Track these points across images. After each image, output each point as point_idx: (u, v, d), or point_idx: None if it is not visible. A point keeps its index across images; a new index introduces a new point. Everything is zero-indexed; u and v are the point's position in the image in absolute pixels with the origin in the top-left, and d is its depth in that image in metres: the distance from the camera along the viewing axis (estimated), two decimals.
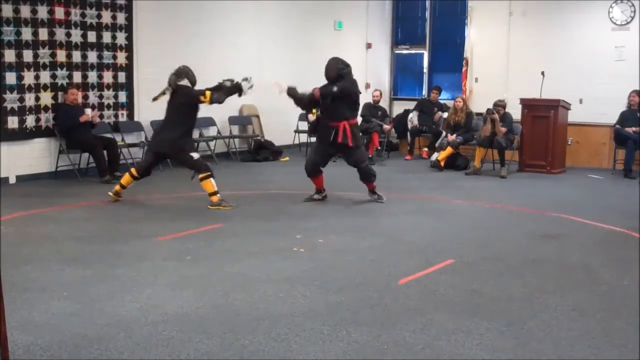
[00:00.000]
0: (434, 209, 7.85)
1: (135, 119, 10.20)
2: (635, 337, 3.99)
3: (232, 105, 10.98)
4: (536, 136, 10.73)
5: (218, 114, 10.89)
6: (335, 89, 7.57)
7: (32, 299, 4.47)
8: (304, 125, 12.22)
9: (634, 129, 10.58)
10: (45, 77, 9.03)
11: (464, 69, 13.02)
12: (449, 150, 11.03)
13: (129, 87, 10.07)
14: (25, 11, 8.70)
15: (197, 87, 7.63)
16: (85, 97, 9.53)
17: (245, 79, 7.56)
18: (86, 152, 9.25)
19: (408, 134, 12.72)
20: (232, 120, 11.72)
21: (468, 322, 4.18)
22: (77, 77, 9.41)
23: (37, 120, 9.02)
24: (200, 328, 4.02)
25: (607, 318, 4.32)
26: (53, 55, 9.07)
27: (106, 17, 9.67)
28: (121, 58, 9.93)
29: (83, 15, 9.39)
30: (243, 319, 4.19)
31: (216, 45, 11.18)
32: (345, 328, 4.04)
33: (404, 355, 3.71)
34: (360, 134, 8.48)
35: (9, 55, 8.60)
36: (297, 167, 8.56)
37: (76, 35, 9.33)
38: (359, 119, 9.59)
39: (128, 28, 9.95)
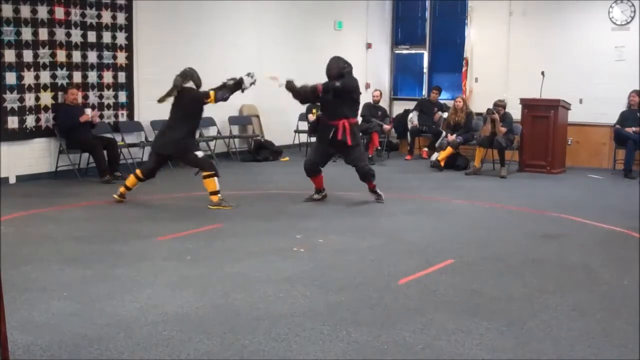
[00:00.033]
0: (434, 209, 7.85)
1: (135, 119, 10.21)
2: (635, 337, 3.99)
3: (232, 105, 10.98)
4: (536, 136, 10.73)
5: (218, 114, 10.89)
6: (337, 84, 7.57)
7: (32, 299, 4.47)
8: (304, 125, 12.21)
9: (634, 129, 10.59)
10: (45, 77, 9.03)
11: (464, 69, 13.02)
12: (449, 150, 11.03)
13: (129, 87, 10.07)
14: (25, 11, 8.70)
15: (200, 89, 7.62)
16: (85, 97, 9.53)
17: (248, 74, 7.53)
18: (86, 152, 9.25)
19: (408, 134, 12.72)
20: (232, 120, 11.72)
21: (468, 322, 4.18)
22: (77, 77, 9.41)
23: (37, 120, 9.02)
24: (200, 328, 4.01)
25: (607, 318, 4.32)
26: (53, 55, 9.07)
27: (106, 17, 9.67)
28: (121, 58, 9.93)
29: (83, 15, 9.40)
30: (243, 319, 4.19)
31: (216, 45, 11.18)
32: (345, 328, 4.04)
33: (404, 355, 3.71)
34: (360, 134, 8.48)
35: (9, 55, 8.60)
36: (297, 167, 8.56)
37: (76, 35, 9.34)
38: (359, 119, 9.58)
39: (128, 28, 9.95)
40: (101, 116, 9.67)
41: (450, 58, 13.88)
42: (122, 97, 10.03)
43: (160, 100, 7.57)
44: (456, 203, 8.24)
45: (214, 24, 11.23)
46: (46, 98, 9.08)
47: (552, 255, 5.85)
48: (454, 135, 11.27)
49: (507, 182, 9.93)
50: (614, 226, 6.95)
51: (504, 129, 10.43)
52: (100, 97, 9.74)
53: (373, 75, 14.07)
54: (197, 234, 6.34)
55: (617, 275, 5.26)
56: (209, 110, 9.36)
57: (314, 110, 11.42)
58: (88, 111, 9.10)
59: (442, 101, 12.90)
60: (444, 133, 11.87)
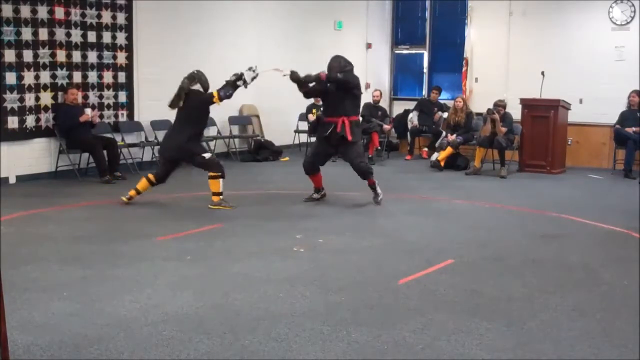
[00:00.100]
0: (434, 209, 7.85)
1: (135, 119, 10.21)
2: (635, 337, 3.99)
3: (232, 105, 10.98)
4: (536, 136, 10.73)
5: (218, 114, 10.88)
6: (340, 75, 7.56)
7: (32, 299, 4.47)
8: (304, 125, 12.22)
9: (634, 129, 10.59)
10: (45, 77, 9.03)
11: (464, 69, 13.02)
12: (449, 150, 11.04)
13: (129, 87, 10.07)
14: (25, 11, 8.70)
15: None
16: (85, 97, 9.53)
17: (250, 68, 7.48)
18: (86, 152, 9.25)
19: (408, 134, 12.72)
20: (232, 120, 11.72)
21: (468, 322, 4.18)
22: (77, 77, 9.41)
23: (37, 120, 9.02)
24: (200, 328, 4.01)
25: (607, 318, 4.32)
26: (53, 55, 9.08)
27: (106, 17, 9.67)
28: (121, 58, 9.93)
29: (83, 15, 9.40)
30: (243, 319, 4.19)
31: (216, 45, 11.18)
32: (345, 328, 4.04)
33: (404, 355, 3.71)
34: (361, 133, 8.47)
35: (9, 55, 8.60)
36: (297, 167, 8.55)
37: (76, 35, 9.34)
38: (359, 119, 9.55)
39: (128, 28, 9.95)
40: (101, 116, 9.67)
41: (450, 58, 13.88)
42: (122, 97, 10.03)
43: (171, 105, 7.52)
44: (456, 203, 8.24)
45: (214, 24, 11.23)
46: (46, 98, 9.08)
47: (552, 255, 5.85)
48: (454, 135, 11.27)
49: (507, 182, 9.93)
50: (614, 226, 6.95)
51: (504, 129, 10.43)
52: (100, 97, 9.75)
53: (373, 75, 14.07)
54: (198, 234, 6.34)
55: (617, 275, 5.26)
56: (210, 110, 9.37)
57: (313, 111, 11.44)
58: (88, 111, 9.10)
59: (442, 101, 12.90)
60: (444, 133, 11.87)
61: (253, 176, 9.93)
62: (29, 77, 8.83)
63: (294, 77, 7.66)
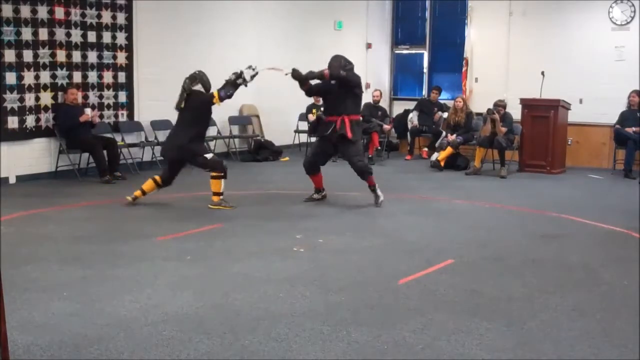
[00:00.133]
0: (434, 209, 7.85)
1: (135, 119, 10.21)
2: (635, 337, 3.99)
3: (232, 105, 10.98)
4: (536, 136, 10.73)
5: (218, 114, 10.87)
6: (342, 72, 7.55)
7: (32, 299, 4.47)
8: (304, 125, 12.22)
9: (634, 129, 10.59)
10: (45, 77, 9.03)
11: (464, 69, 13.02)
12: (449, 150, 11.04)
13: (129, 87, 10.07)
14: (25, 11, 8.70)
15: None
16: (85, 97, 9.53)
17: (249, 67, 7.44)
18: (86, 152, 9.25)
19: (408, 134, 12.72)
20: (232, 120, 11.72)
21: (468, 322, 4.18)
22: (77, 77, 9.41)
23: (37, 120, 9.02)
24: (200, 328, 4.01)
25: (607, 318, 4.32)
26: (53, 55, 9.08)
27: (106, 17, 9.67)
28: (121, 58, 9.93)
29: (83, 15, 9.40)
30: (243, 319, 4.19)
31: (216, 45, 11.18)
32: (345, 328, 4.04)
33: (404, 355, 3.71)
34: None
35: (9, 55, 8.61)
36: (297, 167, 8.55)
37: (76, 35, 9.34)
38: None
39: (128, 28, 9.95)
40: (101, 116, 9.67)
41: (450, 58, 13.88)
42: (122, 97, 10.03)
43: (176, 107, 7.50)
44: (456, 203, 8.24)
45: (214, 24, 11.23)
46: (46, 98, 9.08)
47: (552, 255, 5.85)
48: (454, 135, 11.27)
49: (507, 182, 9.93)
50: (614, 226, 6.95)
51: (504, 129, 10.43)
52: (100, 97, 9.75)
53: (373, 75, 14.07)
54: (198, 234, 6.34)
55: (617, 275, 5.26)
56: None
57: (313, 110, 11.43)
58: (88, 111, 9.10)
59: (442, 101, 12.90)
60: (444, 133, 11.87)
61: (253, 176, 9.93)
62: (29, 77, 8.84)
63: (295, 74, 7.63)
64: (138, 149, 10.12)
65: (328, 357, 3.66)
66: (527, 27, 12.44)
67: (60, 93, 9.19)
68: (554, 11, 12.12)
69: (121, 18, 9.85)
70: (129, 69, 10.03)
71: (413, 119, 12.63)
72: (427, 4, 14.20)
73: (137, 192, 7.55)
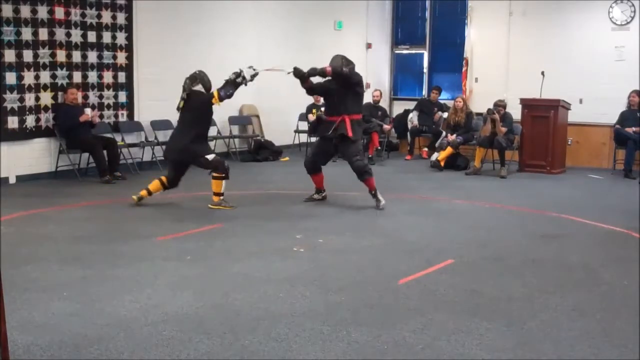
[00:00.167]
0: (434, 209, 7.85)
1: (135, 119, 10.21)
2: (635, 337, 3.99)
3: (232, 105, 10.99)
4: (536, 136, 10.73)
5: (218, 114, 10.85)
6: (345, 69, 7.52)
7: (32, 299, 4.47)
8: (304, 125, 12.22)
9: (634, 129, 10.59)
10: (45, 77, 9.03)
11: (464, 69, 13.02)
12: (449, 150, 11.04)
13: (129, 87, 10.07)
14: (25, 11, 8.70)
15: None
16: (85, 97, 9.54)
17: (250, 67, 7.41)
18: (86, 152, 9.25)
19: (408, 134, 12.72)
20: (232, 120, 11.72)
21: (468, 322, 4.18)
22: (77, 77, 9.41)
23: (37, 120, 9.02)
24: (200, 328, 4.02)
25: (607, 318, 4.32)
26: (53, 55, 9.08)
27: (106, 17, 9.67)
28: (121, 58, 9.93)
29: (83, 15, 9.40)
30: (243, 319, 4.19)
31: (216, 45, 11.18)
32: (345, 328, 4.04)
33: (404, 355, 3.71)
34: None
35: (9, 55, 8.61)
36: (297, 167, 8.56)
37: (76, 35, 9.34)
38: None
39: (128, 28, 9.95)
40: (101, 116, 9.67)
41: (450, 58, 13.88)
42: (122, 97, 10.03)
43: (178, 108, 7.48)
44: (456, 203, 8.24)
45: (214, 24, 11.23)
46: (46, 98, 9.09)
47: (552, 255, 5.85)
48: (454, 135, 11.27)
49: (507, 182, 9.93)
50: (614, 226, 6.95)
51: (504, 129, 10.43)
52: (100, 97, 9.75)
53: (373, 75, 14.07)
54: (197, 234, 6.34)
55: (617, 275, 5.26)
56: None
57: (313, 110, 11.44)
58: (88, 111, 9.10)
59: (442, 101, 12.90)
60: (444, 133, 11.87)
61: (253, 176, 9.93)
62: (29, 77, 8.84)
63: (297, 72, 7.61)
64: (138, 149, 10.12)
65: (328, 357, 3.66)
66: (527, 27, 12.44)
67: (60, 93, 9.19)
68: (554, 11, 12.12)
69: (121, 18, 9.85)
70: (129, 69, 10.03)
71: (413, 119, 12.63)
72: (427, 4, 14.20)
73: (143, 192, 7.52)
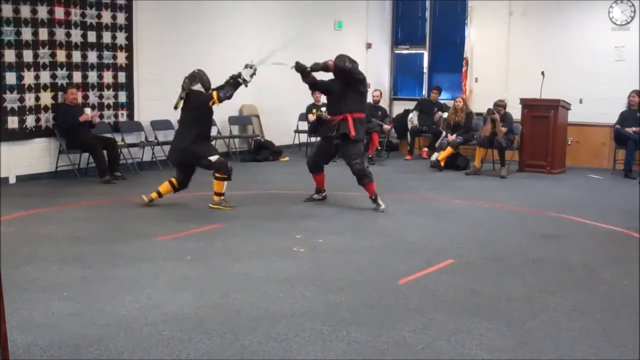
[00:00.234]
0: (434, 209, 7.85)
1: (135, 119, 10.21)
2: (635, 337, 3.99)
3: (232, 105, 10.97)
4: (536, 136, 10.73)
5: (218, 114, 10.85)
6: (348, 64, 7.48)
7: (32, 299, 4.47)
8: (304, 125, 12.22)
9: (634, 129, 10.59)
10: (45, 77, 9.03)
11: (464, 69, 13.02)
12: (449, 150, 11.04)
13: (129, 87, 10.07)
14: (25, 11, 8.70)
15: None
16: (85, 97, 9.53)
17: (246, 66, 7.36)
18: (86, 152, 9.25)
19: (408, 134, 12.72)
20: (232, 120, 11.72)
21: (468, 322, 4.18)
22: (77, 77, 9.41)
23: (37, 120, 9.02)
24: (200, 328, 4.02)
25: (607, 318, 4.32)
26: (53, 55, 9.08)
27: (106, 17, 9.67)
28: (121, 58, 9.93)
29: (83, 15, 9.40)
30: (243, 319, 4.19)
31: (216, 45, 11.18)
32: (345, 328, 4.04)
33: (404, 355, 3.71)
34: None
35: (9, 55, 8.60)
36: (297, 167, 8.56)
37: (76, 35, 9.34)
38: None
39: (128, 28, 9.95)
40: (101, 116, 9.67)
41: (450, 58, 13.88)
42: (122, 97, 10.03)
43: (175, 106, 7.47)
44: (456, 203, 8.24)
45: (214, 24, 11.23)
46: (46, 98, 9.08)
47: (552, 255, 5.85)
48: (454, 135, 11.27)
49: (507, 182, 9.93)
50: (614, 226, 6.95)
51: (504, 129, 10.43)
52: (100, 97, 9.75)
53: (373, 75, 14.02)
54: (197, 234, 6.34)
55: (617, 275, 5.26)
56: None
57: (313, 110, 11.45)
58: (87, 110, 9.10)
59: (442, 101, 12.90)
60: (444, 133, 11.87)
61: (253, 176, 9.93)
62: (29, 77, 8.84)
63: (298, 67, 7.58)
64: (138, 149, 10.12)
65: (328, 357, 3.66)
66: (527, 27, 12.44)
67: (60, 93, 9.19)
68: (554, 11, 12.12)
69: (121, 18, 9.85)
70: (129, 69, 10.03)
71: (413, 119, 12.63)
72: (427, 4, 14.20)
73: (154, 194, 7.48)
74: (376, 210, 7.49)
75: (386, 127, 12.16)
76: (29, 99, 8.88)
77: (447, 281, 5.01)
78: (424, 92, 14.16)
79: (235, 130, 11.85)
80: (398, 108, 14.15)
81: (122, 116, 10.06)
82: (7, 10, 8.51)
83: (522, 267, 5.47)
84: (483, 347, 3.83)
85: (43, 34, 8.92)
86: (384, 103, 13.49)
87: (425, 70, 14.39)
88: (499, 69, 12.65)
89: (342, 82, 7.58)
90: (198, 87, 7.43)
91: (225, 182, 7.41)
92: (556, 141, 10.78)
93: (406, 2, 14.65)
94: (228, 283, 4.88)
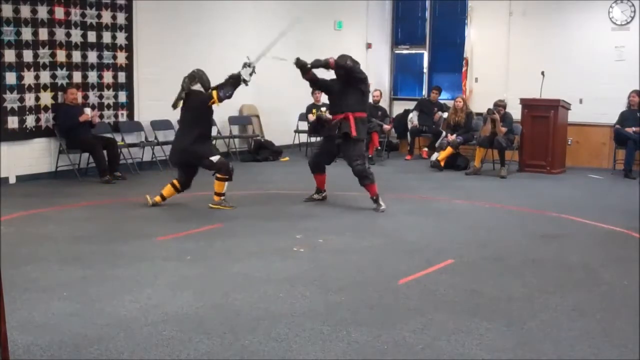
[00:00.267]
0: (434, 209, 7.85)
1: (135, 119, 10.21)
2: (635, 337, 3.99)
3: (232, 105, 10.98)
4: (536, 136, 10.73)
5: (218, 114, 10.85)
6: (349, 62, 7.46)
7: (32, 299, 4.47)
8: (304, 125, 12.22)
9: (634, 129, 10.59)
10: (45, 77, 9.03)
11: (464, 69, 13.02)
12: (449, 150, 11.04)
13: (129, 87, 10.07)
14: (25, 11, 8.70)
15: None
16: (85, 97, 9.54)
17: (245, 64, 7.33)
18: (86, 152, 9.25)
19: (408, 134, 12.72)
20: (232, 120, 11.72)
21: (468, 322, 4.18)
22: (77, 77, 9.41)
23: (37, 120, 9.02)
24: (200, 328, 4.02)
25: (607, 318, 4.32)
26: (53, 55, 9.08)
27: (106, 17, 9.67)
28: (121, 58, 9.93)
29: (83, 15, 9.40)
30: (243, 319, 4.19)
31: (216, 45, 11.18)
32: (345, 328, 4.04)
33: (404, 355, 3.71)
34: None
35: (9, 55, 8.60)
36: (297, 167, 8.56)
37: (76, 35, 9.34)
38: None
39: (128, 28, 9.95)
40: (101, 116, 9.67)
41: (450, 58, 13.88)
42: (122, 97, 10.03)
43: (173, 106, 7.46)
44: (456, 203, 8.24)
45: (214, 24, 11.23)
46: (46, 98, 9.08)
47: (552, 255, 5.85)
48: (454, 135, 11.27)
49: (507, 182, 9.93)
50: (614, 226, 6.95)
51: (504, 129, 10.43)
52: (100, 97, 9.75)
53: (373, 75, 13.97)
54: (197, 234, 6.34)
55: (617, 275, 5.26)
56: None
57: (313, 110, 11.45)
58: (87, 110, 9.10)
59: (442, 101, 12.90)
60: (444, 133, 11.87)
61: (253, 176, 9.93)
62: (29, 77, 8.84)
63: (298, 62, 7.56)
64: (138, 149, 10.12)
65: (328, 357, 3.66)
66: (527, 27, 12.44)
67: (60, 93, 9.19)
68: (554, 11, 12.12)
69: (121, 18, 9.85)
70: (129, 69, 10.03)
71: (413, 119, 12.63)
72: (427, 4, 14.21)
73: (157, 198, 7.47)
74: (376, 210, 7.49)
75: (386, 127, 12.16)
76: (29, 99, 8.88)
77: (447, 281, 5.01)
78: (424, 92, 14.16)
79: (235, 130, 11.85)
80: (398, 108, 14.15)
81: (122, 116, 10.06)
82: (7, 10, 8.51)
83: (522, 267, 5.47)
84: (483, 347, 3.83)
85: (43, 34, 8.92)
86: (384, 103, 13.49)
87: (425, 70, 14.40)
88: (499, 69, 12.66)
89: (343, 81, 7.57)
90: (198, 87, 7.42)
91: (226, 183, 7.41)
92: (556, 141, 10.78)
93: (406, 2, 14.66)
94: (228, 283, 4.88)
